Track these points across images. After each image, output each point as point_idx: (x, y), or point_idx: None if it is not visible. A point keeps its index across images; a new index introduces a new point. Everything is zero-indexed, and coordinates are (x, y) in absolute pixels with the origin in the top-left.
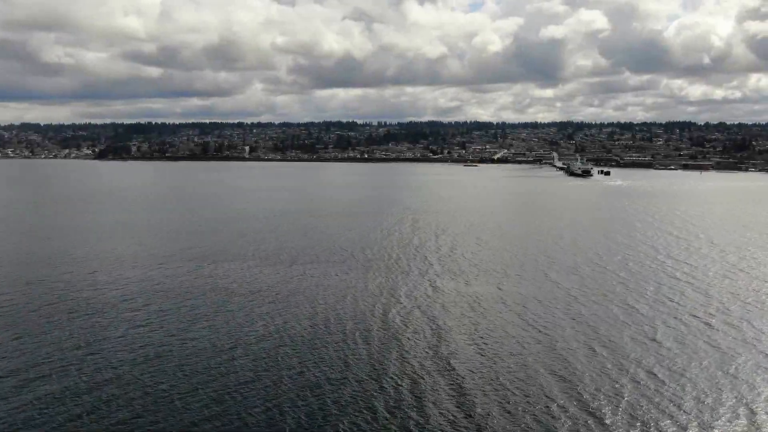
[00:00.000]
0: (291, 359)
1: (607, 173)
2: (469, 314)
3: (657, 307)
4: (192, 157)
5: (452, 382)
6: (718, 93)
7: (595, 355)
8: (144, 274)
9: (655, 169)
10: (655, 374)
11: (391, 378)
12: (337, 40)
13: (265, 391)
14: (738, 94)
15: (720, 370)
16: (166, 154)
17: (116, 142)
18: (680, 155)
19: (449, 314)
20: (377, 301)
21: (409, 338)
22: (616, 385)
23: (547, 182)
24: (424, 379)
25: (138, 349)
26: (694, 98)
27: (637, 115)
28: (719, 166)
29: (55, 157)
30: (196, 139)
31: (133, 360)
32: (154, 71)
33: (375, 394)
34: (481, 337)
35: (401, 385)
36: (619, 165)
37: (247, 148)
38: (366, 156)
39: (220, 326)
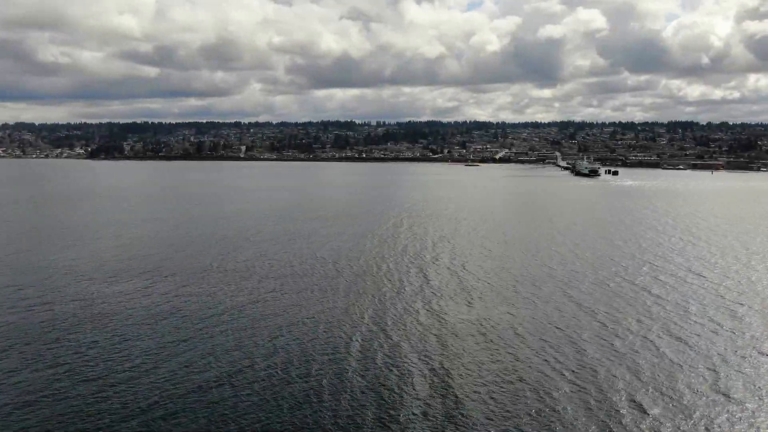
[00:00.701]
0: (231, 410)
1: (615, 173)
2: (471, 348)
3: (709, 337)
4: (186, 156)
5: None
6: (717, 93)
7: (639, 410)
8: (83, 290)
9: (663, 168)
10: None
11: None
12: (335, 39)
13: None
14: (736, 95)
15: None
16: (160, 154)
17: (110, 142)
18: (686, 155)
19: (444, 350)
20: (355, 330)
21: (391, 383)
22: None
23: (555, 182)
24: None
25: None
26: (693, 99)
27: (636, 115)
28: (730, 166)
29: (47, 156)
30: (192, 139)
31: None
32: (151, 71)
33: None
34: (484, 383)
35: None
36: (625, 165)
37: (243, 147)
38: (364, 156)
39: (137, 364)
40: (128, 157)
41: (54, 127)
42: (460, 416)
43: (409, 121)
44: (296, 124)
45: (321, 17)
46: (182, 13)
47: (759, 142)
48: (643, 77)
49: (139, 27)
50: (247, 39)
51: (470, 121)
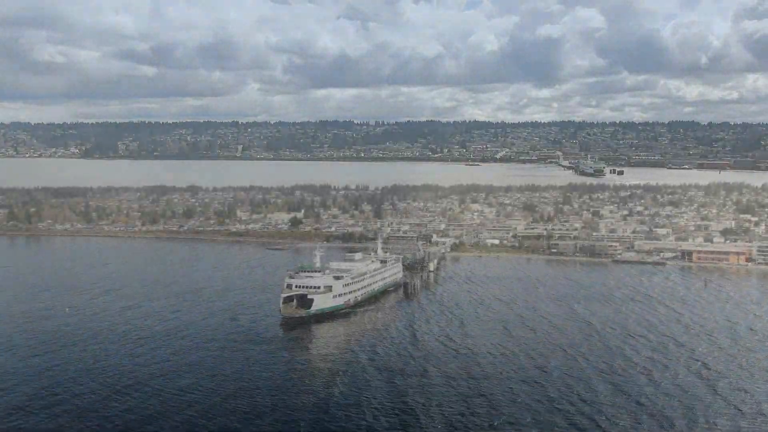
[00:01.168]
0: None
1: (621, 172)
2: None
3: None
4: (180, 156)
5: None
6: (715, 93)
7: None
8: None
9: (668, 168)
10: None
11: None
12: (332, 39)
13: None
14: (735, 95)
15: None
16: (154, 153)
17: (106, 141)
18: (690, 155)
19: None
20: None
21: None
22: None
23: (558, 181)
24: None
25: None
26: (691, 99)
27: (634, 115)
28: (737, 165)
29: (41, 156)
30: (188, 138)
31: None
32: (148, 70)
33: None
34: None
35: None
36: (629, 164)
37: (239, 147)
38: (362, 155)
39: None
40: (123, 157)
41: (50, 127)
42: None
43: (408, 121)
44: (294, 124)
45: (318, 16)
46: (178, 12)
47: (762, 142)
48: (642, 77)
49: (135, 25)
50: (244, 38)
51: (470, 121)
